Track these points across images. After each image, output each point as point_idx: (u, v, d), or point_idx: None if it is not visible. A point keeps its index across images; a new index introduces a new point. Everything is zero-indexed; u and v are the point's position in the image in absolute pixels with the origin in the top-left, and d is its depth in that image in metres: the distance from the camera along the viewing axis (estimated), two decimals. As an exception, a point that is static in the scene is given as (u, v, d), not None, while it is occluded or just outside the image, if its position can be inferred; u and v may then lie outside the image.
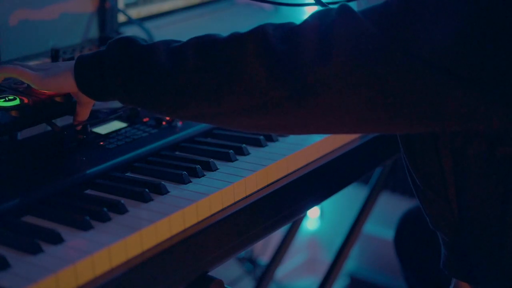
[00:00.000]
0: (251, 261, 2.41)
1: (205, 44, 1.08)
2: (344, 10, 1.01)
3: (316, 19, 1.03)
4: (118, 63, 1.11)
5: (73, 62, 1.17)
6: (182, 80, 1.07)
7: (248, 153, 1.31)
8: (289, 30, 1.04)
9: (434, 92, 0.97)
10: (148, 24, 1.78)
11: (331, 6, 1.23)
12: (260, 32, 1.04)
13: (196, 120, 1.14)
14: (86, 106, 1.24)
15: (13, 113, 1.20)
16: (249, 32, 1.05)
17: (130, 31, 1.71)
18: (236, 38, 1.06)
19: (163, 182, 1.18)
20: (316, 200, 1.42)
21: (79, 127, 1.27)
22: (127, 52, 1.12)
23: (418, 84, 0.96)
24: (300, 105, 1.01)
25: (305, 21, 1.04)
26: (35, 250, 0.99)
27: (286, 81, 1.00)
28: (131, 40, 1.13)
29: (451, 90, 0.96)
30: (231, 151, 1.29)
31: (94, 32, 1.67)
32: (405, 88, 0.97)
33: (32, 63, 1.42)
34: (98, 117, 1.36)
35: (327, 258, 2.43)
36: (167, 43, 1.13)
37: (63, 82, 1.17)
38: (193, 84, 1.06)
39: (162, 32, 1.80)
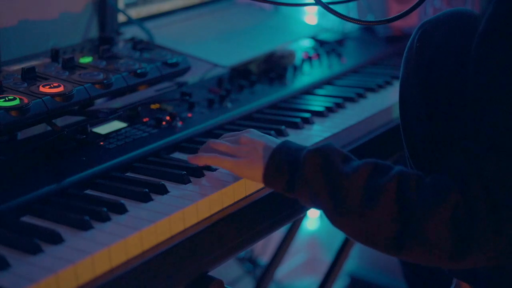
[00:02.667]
0: (251, 261, 2.41)
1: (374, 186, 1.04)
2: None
3: (455, 199, 0.99)
4: (310, 182, 1.08)
5: (268, 154, 1.13)
6: (351, 211, 1.05)
7: (248, 153, 1.31)
8: (436, 199, 1.01)
9: None
10: (148, 24, 1.78)
11: (330, 6, 1.23)
12: (411, 188, 1.02)
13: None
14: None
15: (13, 113, 1.20)
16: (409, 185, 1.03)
17: (130, 31, 1.71)
18: (400, 183, 1.03)
19: (163, 182, 1.18)
20: (316, 200, 1.42)
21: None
22: (325, 176, 1.07)
23: None
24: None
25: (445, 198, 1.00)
26: (35, 250, 0.99)
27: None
28: (330, 162, 1.08)
29: None
30: (231, 151, 1.29)
31: (94, 32, 1.67)
32: None
33: (32, 63, 1.42)
34: (98, 117, 1.36)
35: (327, 258, 2.43)
36: (370, 176, 1.05)
37: (254, 175, 1.15)
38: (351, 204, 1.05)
39: (162, 32, 1.80)
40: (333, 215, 1.07)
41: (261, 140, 1.16)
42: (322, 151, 1.09)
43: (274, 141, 1.16)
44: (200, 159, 1.19)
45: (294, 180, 1.09)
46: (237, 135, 1.22)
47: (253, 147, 1.16)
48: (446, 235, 0.98)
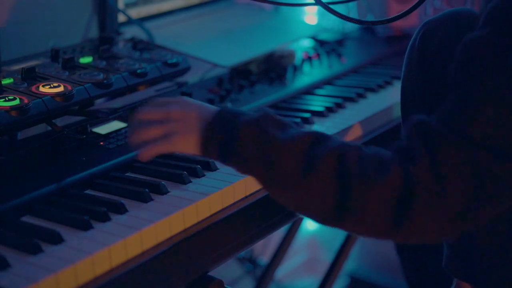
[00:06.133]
0: (251, 261, 2.41)
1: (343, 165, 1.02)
2: (433, 137, 0.98)
3: (399, 159, 0.99)
4: (244, 152, 1.07)
5: (204, 124, 1.10)
6: (288, 176, 1.04)
7: (248, 153, 1.31)
8: (381, 164, 1.00)
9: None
10: (148, 24, 1.78)
11: (330, 6, 1.23)
12: (352, 154, 1.02)
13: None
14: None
15: (13, 113, 1.20)
16: (348, 158, 1.02)
17: (130, 31, 1.71)
18: (338, 157, 1.02)
19: (163, 182, 1.18)
20: (316, 200, 1.42)
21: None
22: (260, 145, 1.06)
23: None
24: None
25: (392, 161, 1.00)
26: (35, 250, 0.99)
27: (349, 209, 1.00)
28: (266, 130, 1.06)
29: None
30: (231, 151, 1.29)
31: (94, 32, 1.67)
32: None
33: (32, 63, 1.42)
34: (98, 117, 1.36)
35: (327, 258, 2.42)
36: (310, 145, 1.04)
37: (189, 146, 1.12)
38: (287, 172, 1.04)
39: (162, 32, 1.80)
40: (268, 183, 1.06)
41: (193, 112, 1.12)
42: (258, 120, 1.07)
43: (209, 110, 1.12)
44: (141, 157, 1.14)
45: (229, 150, 1.07)
46: (167, 105, 1.16)
47: (186, 121, 1.12)
48: (386, 208, 0.97)
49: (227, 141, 1.08)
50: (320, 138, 1.04)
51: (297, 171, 1.02)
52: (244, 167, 1.08)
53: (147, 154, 1.14)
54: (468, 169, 0.95)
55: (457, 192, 0.95)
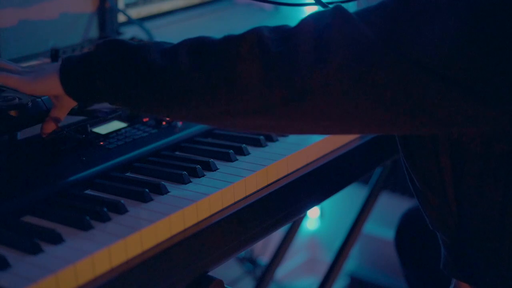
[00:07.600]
0: (251, 261, 2.41)
1: (199, 46, 1.07)
2: (339, 12, 1.01)
3: (311, 21, 1.02)
4: (107, 63, 1.08)
5: (59, 63, 1.13)
6: (175, 80, 1.05)
7: (248, 153, 1.31)
8: (285, 32, 1.03)
9: (429, 95, 0.96)
10: (148, 24, 1.78)
11: (330, 6, 1.23)
12: (255, 34, 1.03)
13: (188, 121, 1.13)
14: (63, 111, 1.21)
15: (13, 113, 1.20)
16: (244, 34, 1.04)
17: (130, 31, 1.71)
18: (230, 39, 1.05)
19: (163, 182, 1.18)
20: (316, 200, 1.42)
21: (46, 135, 1.22)
22: (117, 51, 1.09)
23: (412, 87, 0.96)
24: (296, 108, 1.01)
25: (301, 23, 1.03)
26: (35, 250, 0.99)
27: (282, 84, 1.00)
28: (120, 40, 1.11)
29: (446, 94, 0.96)
30: (231, 151, 1.29)
31: (94, 32, 1.67)
32: (401, 91, 0.96)
33: (32, 63, 1.42)
34: (98, 117, 1.36)
35: (327, 258, 2.43)
36: (159, 44, 1.10)
37: (49, 85, 1.13)
38: (186, 85, 1.05)
39: (162, 32, 1.80)
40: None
41: (44, 65, 1.18)
42: (112, 38, 1.10)
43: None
44: None
45: (92, 67, 1.08)
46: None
47: (40, 66, 1.16)
48: (256, 74, 1.00)
49: (88, 60, 1.09)
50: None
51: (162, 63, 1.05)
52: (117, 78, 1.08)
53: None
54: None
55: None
